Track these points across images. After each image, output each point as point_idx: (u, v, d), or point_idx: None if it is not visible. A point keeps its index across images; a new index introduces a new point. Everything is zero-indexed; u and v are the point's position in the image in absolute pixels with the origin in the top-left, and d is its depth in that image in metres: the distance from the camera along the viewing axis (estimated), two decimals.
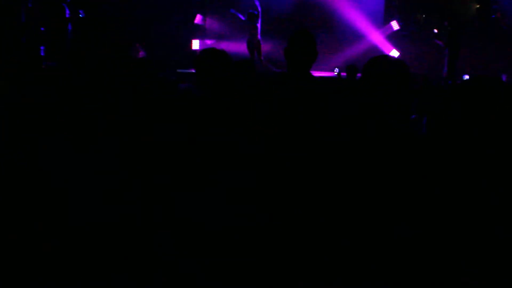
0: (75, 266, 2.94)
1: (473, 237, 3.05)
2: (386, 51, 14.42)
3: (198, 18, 15.10)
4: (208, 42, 14.89)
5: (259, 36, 13.63)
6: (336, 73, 13.43)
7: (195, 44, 14.73)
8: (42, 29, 12.39)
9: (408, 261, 2.94)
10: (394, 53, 14.52)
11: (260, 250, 2.99)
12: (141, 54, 11.66)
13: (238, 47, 13.70)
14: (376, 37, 14.94)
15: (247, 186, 3.05)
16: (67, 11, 12.64)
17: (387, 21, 15.12)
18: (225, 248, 2.98)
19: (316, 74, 12.07)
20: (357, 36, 14.75)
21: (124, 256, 2.97)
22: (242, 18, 13.80)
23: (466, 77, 12.77)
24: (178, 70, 12.31)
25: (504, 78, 12.43)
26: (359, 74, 6.95)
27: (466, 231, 3.05)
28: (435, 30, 13.35)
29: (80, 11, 12.85)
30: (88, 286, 2.92)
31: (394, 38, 14.86)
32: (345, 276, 2.93)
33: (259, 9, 13.75)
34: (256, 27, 13.57)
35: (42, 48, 11.82)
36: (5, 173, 3.04)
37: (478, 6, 13.92)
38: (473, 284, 2.90)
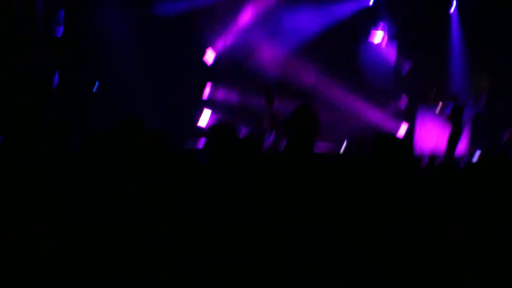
0: (75, 266, 2.93)
1: (473, 237, 3.05)
2: (395, 126, 14.48)
3: (207, 91, 14.82)
4: (217, 115, 14.61)
5: (275, 109, 13.27)
6: (344, 148, 13.33)
7: (204, 118, 14.45)
8: None
9: (408, 261, 2.95)
10: (403, 128, 14.53)
11: (260, 250, 2.99)
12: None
13: (249, 119, 13.45)
14: (385, 112, 14.98)
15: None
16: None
17: (396, 95, 15.19)
18: (225, 248, 2.98)
19: (322, 145, 12.02)
20: (365, 108, 14.71)
21: (124, 256, 2.97)
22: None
23: (478, 153, 12.56)
24: (186, 146, 12.19)
25: None
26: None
27: (466, 231, 3.06)
28: (439, 106, 13.29)
29: (96, 83, 12.92)
30: (88, 286, 2.92)
31: (403, 112, 14.93)
32: (345, 276, 2.93)
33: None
34: (273, 100, 13.26)
35: None
36: (5, 173, 3.04)
37: (488, 82, 13.92)
38: (473, 284, 2.91)
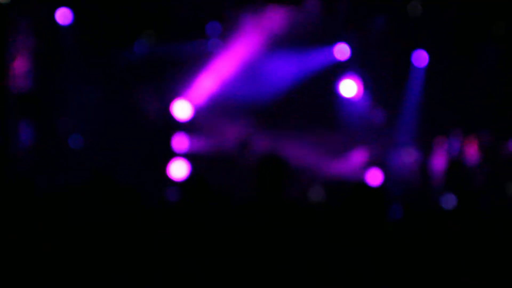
0: (75, 266, 2.94)
1: (473, 238, 3.06)
2: (368, 173, 14.61)
3: (180, 141, 14.63)
4: (190, 165, 14.45)
5: (250, 157, 13.14)
6: (318, 198, 13.38)
7: (177, 169, 14.27)
8: None
9: (408, 261, 2.95)
10: (376, 176, 14.68)
11: (260, 250, 2.99)
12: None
13: (223, 168, 13.36)
14: (358, 160, 15.08)
15: None
16: None
17: (369, 144, 15.36)
18: (225, 248, 2.99)
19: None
20: (337, 158, 14.78)
21: (124, 256, 2.97)
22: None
23: (452, 198, 12.74)
24: (158, 198, 12.12)
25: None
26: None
27: (467, 232, 3.06)
28: (410, 156, 13.62)
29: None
30: (88, 286, 2.92)
31: (376, 160, 15.06)
32: (345, 276, 2.93)
33: None
34: (249, 149, 13.18)
35: None
36: (5, 173, 3.04)
37: None
38: (473, 284, 2.91)
